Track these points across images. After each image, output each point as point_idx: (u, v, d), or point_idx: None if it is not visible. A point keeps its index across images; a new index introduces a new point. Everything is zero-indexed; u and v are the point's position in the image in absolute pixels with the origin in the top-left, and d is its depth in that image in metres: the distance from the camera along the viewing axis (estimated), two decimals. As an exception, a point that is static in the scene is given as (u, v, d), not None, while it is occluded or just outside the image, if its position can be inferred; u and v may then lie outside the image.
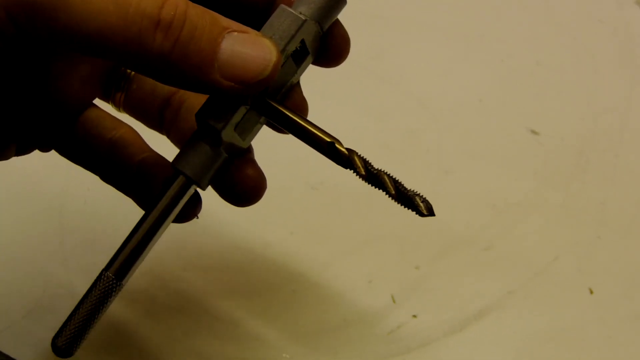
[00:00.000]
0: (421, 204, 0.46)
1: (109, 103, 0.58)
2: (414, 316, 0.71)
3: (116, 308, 0.72)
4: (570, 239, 0.76)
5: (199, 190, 0.50)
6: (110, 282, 0.46)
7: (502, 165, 0.83)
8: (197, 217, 0.52)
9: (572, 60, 0.95)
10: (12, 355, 0.68)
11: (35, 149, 0.54)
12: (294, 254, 0.76)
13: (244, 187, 0.50)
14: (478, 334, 0.70)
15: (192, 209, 0.51)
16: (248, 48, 0.42)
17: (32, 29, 0.40)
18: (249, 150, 0.51)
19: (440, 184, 0.81)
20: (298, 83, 0.51)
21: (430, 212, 0.46)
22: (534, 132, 0.85)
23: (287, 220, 0.78)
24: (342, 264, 0.75)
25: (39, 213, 0.77)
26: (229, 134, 0.46)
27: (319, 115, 0.85)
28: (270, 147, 0.82)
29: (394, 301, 0.72)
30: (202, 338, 0.70)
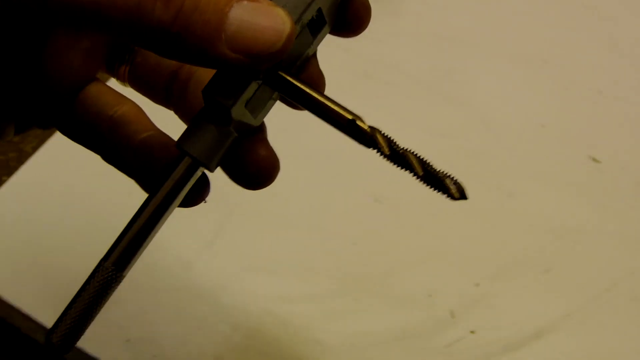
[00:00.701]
0: (452, 186, 0.41)
1: (112, 77, 0.54)
2: (472, 332, 0.72)
3: (177, 301, 0.75)
4: (628, 266, 0.78)
5: (206, 172, 0.45)
6: (110, 274, 0.42)
7: (563, 191, 0.84)
8: (205, 201, 0.47)
9: (634, 91, 0.96)
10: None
11: (34, 128, 0.51)
12: (355, 264, 0.78)
13: (255, 168, 0.45)
14: (535, 353, 0.71)
15: (199, 193, 0.46)
16: (259, 18, 0.38)
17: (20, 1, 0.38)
18: (261, 128, 0.46)
19: (503, 206, 0.83)
20: (314, 55, 0.46)
21: (463, 196, 0.41)
22: (595, 159, 0.87)
23: (350, 231, 0.80)
24: (403, 277, 0.77)
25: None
26: (239, 112, 0.42)
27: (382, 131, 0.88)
28: (336, 160, 0.85)
29: (452, 316, 0.73)
30: (264, 338, 0.73)
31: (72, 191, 0.84)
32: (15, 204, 0.84)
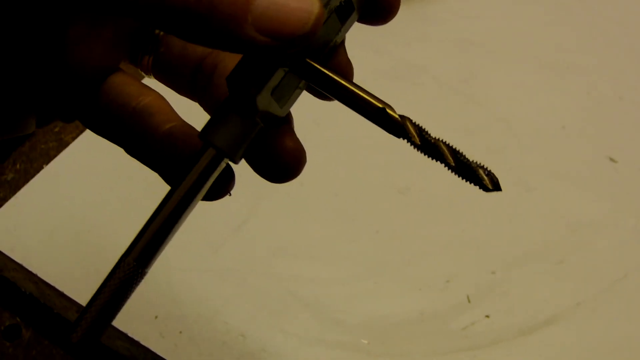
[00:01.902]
0: (485, 177, 0.39)
1: (136, 67, 0.51)
2: (487, 316, 0.75)
3: (204, 281, 0.78)
4: (639, 259, 0.80)
5: (231, 164, 0.43)
6: (132, 270, 0.39)
7: (580, 188, 0.87)
8: (230, 194, 0.45)
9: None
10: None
11: (56, 120, 0.50)
12: (377, 250, 0.81)
13: (281, 160, 0.43)
14: (546, 339, 0.73)
15: (224, 186, 0.44)
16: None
17: None
18: (288, 119, 0.44)
19: (521, 200, 0.85)
20: (342, 43, 0.44)
21: (496, 187, 0.39)
22: (612, 159, 0.89)
23: (374, 220, 0.83)
24: (423, 263, 0.79)
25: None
26: (265, 100, 0.40)
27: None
28: (362, 153, 0.88)
29: (469, 301, 0.76)
30: (287, 318, 0.75)
31: (106, 178, 0.88)
32: (53, 189, 0.87)
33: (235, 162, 0.41)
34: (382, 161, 0.86)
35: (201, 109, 0.50)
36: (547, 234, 0.82)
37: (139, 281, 0.40)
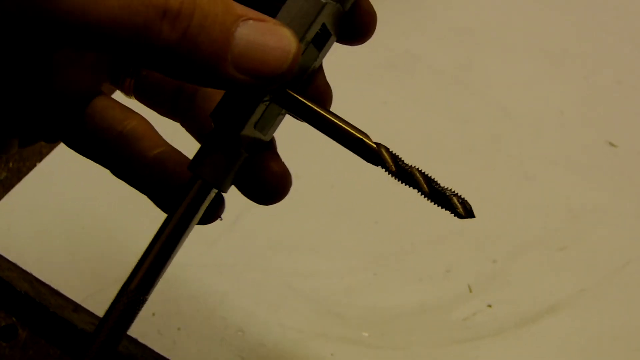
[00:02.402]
0: (459, 205, 0.41)
1: (118, 89, 0.52)
2: (489, 306, 0.74)
3: (201, 277, 0.77)
4: (642, 245, 0.79)
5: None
6: (134, 298, 0.42)
7: (580, 174, 0.86)
8: (221, 219, 0.48)
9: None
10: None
11: (39, 142, 0.50)
12: (376, 241, 0.80)
13: (268, 185, 0.45)
14: (549, 328, 0.73)
15: (214, 211, 0.47)
16: (266, 38, 0.37)
17: (22, 20, 0.35)
18: (271, 141, 0.46)
19: (521, 188, 0.84)
20: (320, 67, 0.45)
21: (469, 214, 0.41)
22: (612, 144, 0.88)
23: (372, 210, 0.82)
24: (422, 253, 0.79)
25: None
26: (248, 133, 0.42)
27: (406, 118, 0.90)
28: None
29: (470, 290, 0.75)
30: (286, 312, 0.74)
31: (100, 175, 0.86)
32: (46, 187, 0.86)
33: (224, 192, 0.44)
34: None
35: (183, 129, 0.51)
36: (548, 221, 0.81)
37: (141, 307, 0.43)
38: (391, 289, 0.76)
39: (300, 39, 0.40)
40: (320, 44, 0.43)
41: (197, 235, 0.79)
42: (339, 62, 1.00)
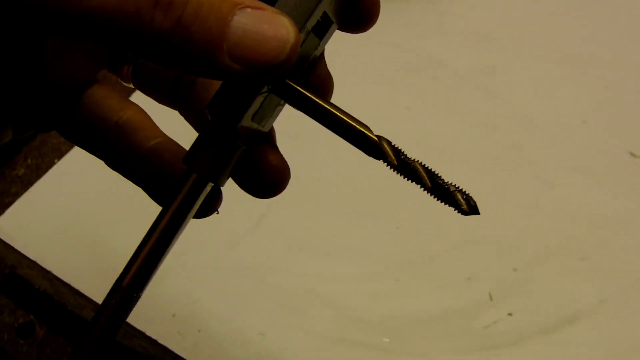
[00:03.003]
0: (462, 201, 0.39)
1: (116, 77, 0.51)
2: (510, 314, 0.74)
3: (223, 278, 0.77)
4: (664, 256, 0.79)
5: None
6: (127, 295, 0.40)
7: (601, 183, 0.85)
8: (217, 212, 0.46)
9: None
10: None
11: (33, 131, 0.48)
12: (398, 247, 0.80)
13: (266, 178, 0.43)
14: (570, 337, 0.72)
15: (210, 205, 0.45)
16: (262, 27, 0.35)
17: (12, 7, 0.34)
18: (270, 133, 0.44)
19: (542, 196, 0.84)
20: (322, 55, 0.44)
21: (474, 211, 0.39)
22: (633, 154, 0.88)
23: (395, 216, 0.82)
24: (444, 260, 0.79)
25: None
26: (246, 126, 0.40)
27: (429, 123, 0.90)
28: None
29: (491, 299, 0.75)
30: (307, 316, 0.74)
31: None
32: (66, 184, 0.87)
33: (221, 186, 0.42)
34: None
35: (182, 120, 0.50)
36: (569, 230, 0.81)
37: (135, 304, 0.41)
38: (412, 295, 0.76)
39: (300, 28, 0.39)
40: (321, 32, 0.42)
41: (219, 238, 0.80)
42: (362, 65, 1.00)
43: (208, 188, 0.42)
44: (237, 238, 0.80)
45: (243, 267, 0.78)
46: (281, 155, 0.44)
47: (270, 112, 0.42)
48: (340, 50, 0.93)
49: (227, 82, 0.40)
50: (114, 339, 0.42)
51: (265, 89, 0.40)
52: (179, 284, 0.77)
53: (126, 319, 0.41)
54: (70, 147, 0.91)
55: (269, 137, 0.44)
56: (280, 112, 0.44)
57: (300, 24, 0.39)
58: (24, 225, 0.82)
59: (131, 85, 0.50)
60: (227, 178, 0.42)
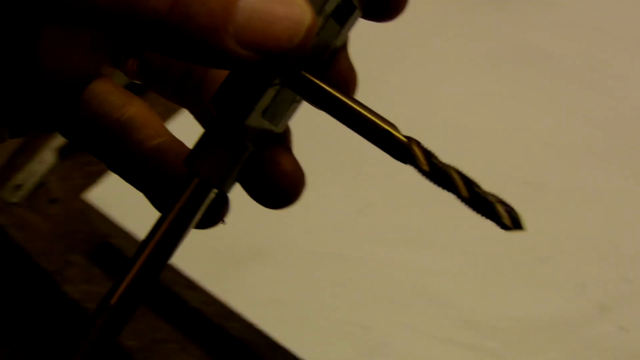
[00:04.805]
0: (504, 214, 0.35)
1: (120, 71, 0.46)
2: (621, 328, 0.71)
3: (322, 264, 0.76)
4: None
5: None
6: (115, 316, 0.36)
7: None
8: (224, 222, 0.40)
9: None
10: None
11: (32, 131, 0.45)
12: (508, 246, 0.77)
13: (278, 186, 0.38)
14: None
15: (216, 214, 0.40)
16: (273, 5, 0.31)
17: None
18: (285, 134, 0.40)
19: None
20: (344, 46, 0.39)
21: (517, 226, 0.35)
22: None
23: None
24: (554, 264, 0.76)
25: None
26: (255, 123, 0.36)
27: (533, 117, 0.87)
28: (490, 143, 0.84)
29: (602, 310, 0.72)
30: (413, 313, 0.73)
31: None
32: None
33: (226, 192, 0.38)
34: (505, 152, 0.83)
35: (192, 118, 0.46)
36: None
37: (125, 324, 0.36)
38: (522, 299, 0.74)
39: (318, 10, 0.35)
40: (342, 18, 0.37)
41: (325, 221, 0.78)
42: (467, 53, 0.98)
43: (212, 195, 0.37)
44: (342, 223, 0.78)
45: (346, 256, 0.77)
46: (295, 159, 0.39)
47: (284, 109, 0.37)
48: (445, 35, 0.91)
49: (234, 71, 0.36)
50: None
51: (277, 81, 0.35)
52: (284, 270, 0.76)
53: (115, 338, 0.36)
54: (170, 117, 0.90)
55: (284, 138, 0.39)
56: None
57: (317, 6, 0.35)
58: (120, 194, 0.81)
59: (137, 81, 0.46)
60: (233, 184, 0.38)
